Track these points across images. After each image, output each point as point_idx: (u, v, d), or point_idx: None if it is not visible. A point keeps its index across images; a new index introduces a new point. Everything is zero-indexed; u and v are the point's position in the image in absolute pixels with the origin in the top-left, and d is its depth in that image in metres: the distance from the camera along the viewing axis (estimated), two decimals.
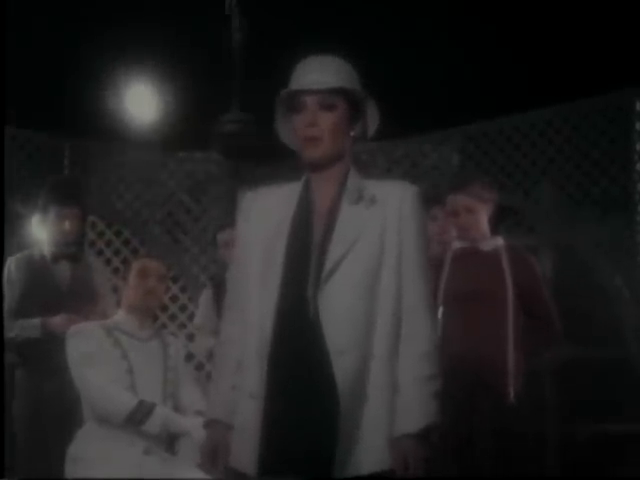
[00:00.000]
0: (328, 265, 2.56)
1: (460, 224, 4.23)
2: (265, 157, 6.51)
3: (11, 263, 4.59)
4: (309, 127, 2.62)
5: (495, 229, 4.28)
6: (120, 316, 4.15)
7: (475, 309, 4.00)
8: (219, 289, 4.82)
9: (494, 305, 4.05)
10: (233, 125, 6.72)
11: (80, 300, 4.57)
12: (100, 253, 6.83)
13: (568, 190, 6.39)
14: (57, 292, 4.59)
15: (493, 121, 6.60)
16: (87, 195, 5.59)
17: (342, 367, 2.50)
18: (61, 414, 4.32)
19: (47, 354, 4.40)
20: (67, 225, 4.61)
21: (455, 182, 4.52)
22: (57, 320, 4.42)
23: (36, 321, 4.45)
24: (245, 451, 2.55)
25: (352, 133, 2.68)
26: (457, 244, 4.25)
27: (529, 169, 6.50)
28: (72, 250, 4.66)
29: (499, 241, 4.23)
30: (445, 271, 4.15)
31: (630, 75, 6.19)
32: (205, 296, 5.28)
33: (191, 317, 6.78)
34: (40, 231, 4.70)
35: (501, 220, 4.30)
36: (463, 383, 3.85)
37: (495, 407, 3.95)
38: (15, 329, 4.43)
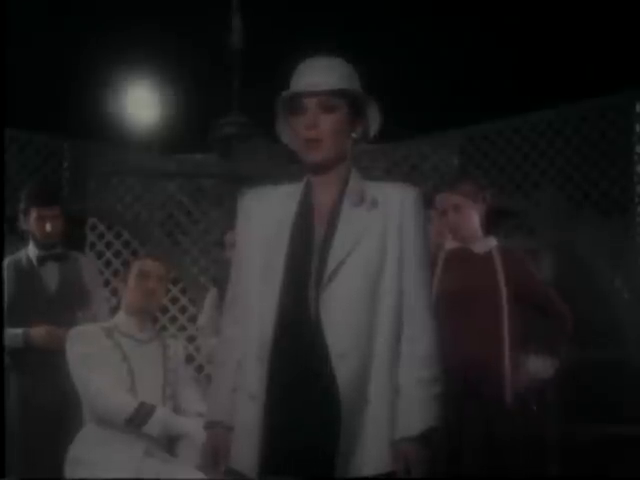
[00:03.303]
0: (330, 267, 2.55)
1: (449, 223, 4.13)
2: (264, 159, 6.51)
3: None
4: (310, 129, 2.60)
5: (488, 229, 4.22)
6: (120, 318, 4.15)
7: (468, 312, 3.90)
8: (224, 290, 4.81)
9: (487, 308, 3.98)
10: (232, 127, 6.73)
11: (70, 301, 4.56)
12: (100, 255, 6.84)
13: (568, 192, 6.39)
14: (46, 295, 4.58)
15: (493, 123, 6.60)
16: (83, 196, 5.59)
17: (343, 369, 2.49)
18: (53, 417, 4.31)
19: (37, 359, 4.40)
20: (49, 226, 4.59)
21: (445, 181, 4.47)
22: (38, 332, 4.41)
23: (18, 331, 4.43)
24: (246, 452, 2.54)
25: (353, 135, 2.67)
26: (449, 245, 4.17)
27: (529, 171, 6.50)
28: (57, 251, 4.66)
29: (492, 242, 4.17)
30: (437, 272, 4.06)
31: (630, 77, 6.19)
32: (210, 296, 5.28)
33: (191, 319, 6.79)
34: (25, 235, 4.70)
35: (501, 222, 4.26)
36: (455, 388, 3.80)
37: (489, 412, 3.92)
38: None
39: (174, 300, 6.84)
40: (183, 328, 6.85)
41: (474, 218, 4.14)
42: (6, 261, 4.58)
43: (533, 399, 4.02)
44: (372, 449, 2.51)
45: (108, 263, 6.85)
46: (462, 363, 3.80)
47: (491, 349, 3.94)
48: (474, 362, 3.87)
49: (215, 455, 2.62)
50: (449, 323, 3.80)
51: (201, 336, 5.43)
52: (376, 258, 2.58)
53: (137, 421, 3.84)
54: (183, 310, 6.90)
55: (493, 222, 4.29)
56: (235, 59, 6.76)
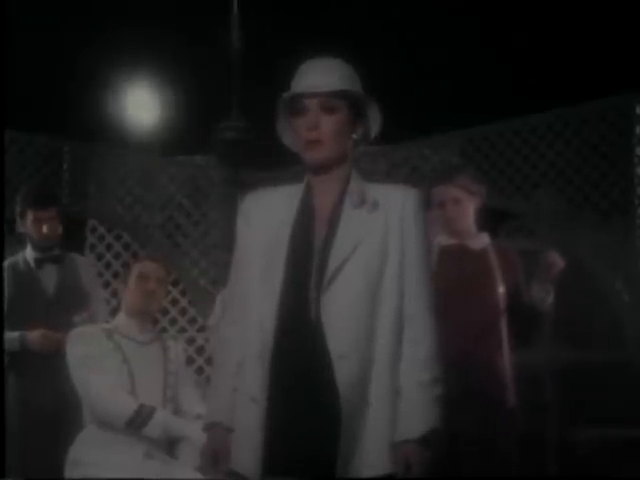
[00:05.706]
0: (330, 268, 2.55)
1: (446, 216, 4.08)
2: (264, 162, 6.51)
3: None
4: (311, 130, 2.60)
5: (482, 225, 4.19)
6: (120, 319, 4.14)
7: (466, 309, 3.87)
8: None
9: (486, 305, 3.97)
10: (232, 131, 6.73)
11: (68, 303, 4.56)
12: (101, 257, 6.85)
13: (568, 194, 6.39)
14: (44, 297, 4.57)
15: (493, 125, 6.61)
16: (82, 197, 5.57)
17: (343, 371, 2.49)
18: (53, 419, 4.31)
19: (37, 360, 4.40)
20: (45, 228, 4.58)
21: (443, 174, 4.43)
22: (34, 335, 4.41)
23: (15, 335, 4.43)
24: (247, 454, 2.54)
25: (354, 136, 2.67)
26: (444, 241, 4.10)
27: (529, 173, 6.51)
28: (54, 253, 4.65)
29: (486, 238, 4.14)
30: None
31: (630, 79, 6.19)
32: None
33: (191, 321, 6.80)
34: (22, 238, 4.70)
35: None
36: (453, 387, 3.75)
37: (488, 412, 3.89)
38: None
39: (174, 302, 6.84)
40: (183, 330, 6.85)
41: (471, 212, 4.11)
42: (5, 263, 4.58)
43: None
44: (372, 451, 2.50)
45: (108, 265, 6.85)
46: (460, 362, 3.76)
47: (489, 347, 3.93)
48: (473, 361, 3.85)
49: (215, 456, 2.61)
50: (446, 321, 3.80)
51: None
52: (377, 259, 2.57)
53: (137, 423, 3.84)
54: (183, 312, 6.90)
55: (488, 220, 4.28)
56: (235, 60, 6.75)
